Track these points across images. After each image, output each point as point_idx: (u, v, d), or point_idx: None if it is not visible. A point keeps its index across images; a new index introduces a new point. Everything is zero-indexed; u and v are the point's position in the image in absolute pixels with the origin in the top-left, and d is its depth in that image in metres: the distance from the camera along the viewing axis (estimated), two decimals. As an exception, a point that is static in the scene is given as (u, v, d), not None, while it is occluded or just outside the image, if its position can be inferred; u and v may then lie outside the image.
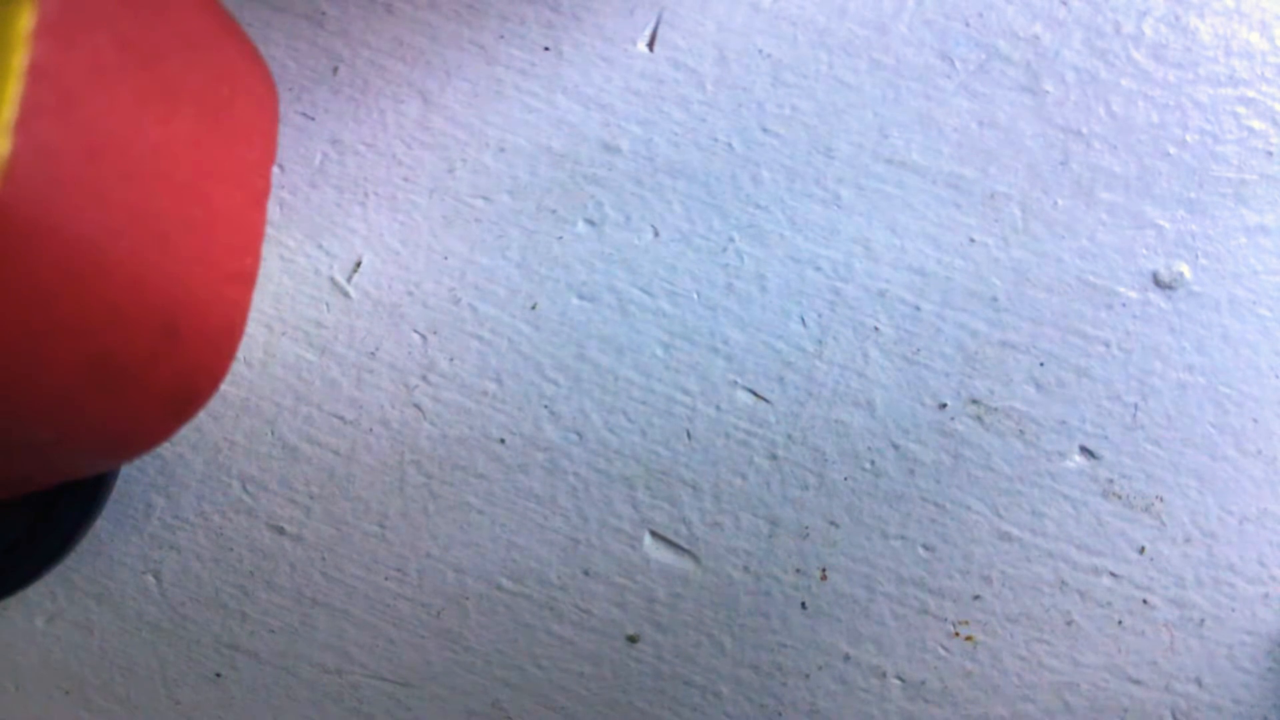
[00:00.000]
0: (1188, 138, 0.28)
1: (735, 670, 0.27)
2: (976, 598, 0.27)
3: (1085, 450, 0.27)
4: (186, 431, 0.27)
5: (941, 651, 0.27)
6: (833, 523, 0.27)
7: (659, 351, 0.28)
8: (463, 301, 0.28)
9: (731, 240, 0.28)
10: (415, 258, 0.28)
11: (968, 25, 0.29)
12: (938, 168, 0.28)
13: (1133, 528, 0.27)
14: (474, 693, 0.27)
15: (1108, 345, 0.27)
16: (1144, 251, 0.28)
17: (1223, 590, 0.27)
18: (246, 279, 0.22)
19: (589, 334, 0.28)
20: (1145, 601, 0.27)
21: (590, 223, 0.28)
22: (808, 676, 0.27)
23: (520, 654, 0.27)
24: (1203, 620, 0.27)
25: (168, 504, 0.27)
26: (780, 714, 0.27)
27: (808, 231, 0.28)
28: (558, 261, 0.28)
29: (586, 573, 0.27)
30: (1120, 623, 0.27)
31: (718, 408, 0.27)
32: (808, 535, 0.27)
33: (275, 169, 0.28)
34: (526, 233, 0.28)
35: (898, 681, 0.27)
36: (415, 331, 0.28)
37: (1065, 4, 0.29)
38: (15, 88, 0.15)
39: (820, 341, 0.28)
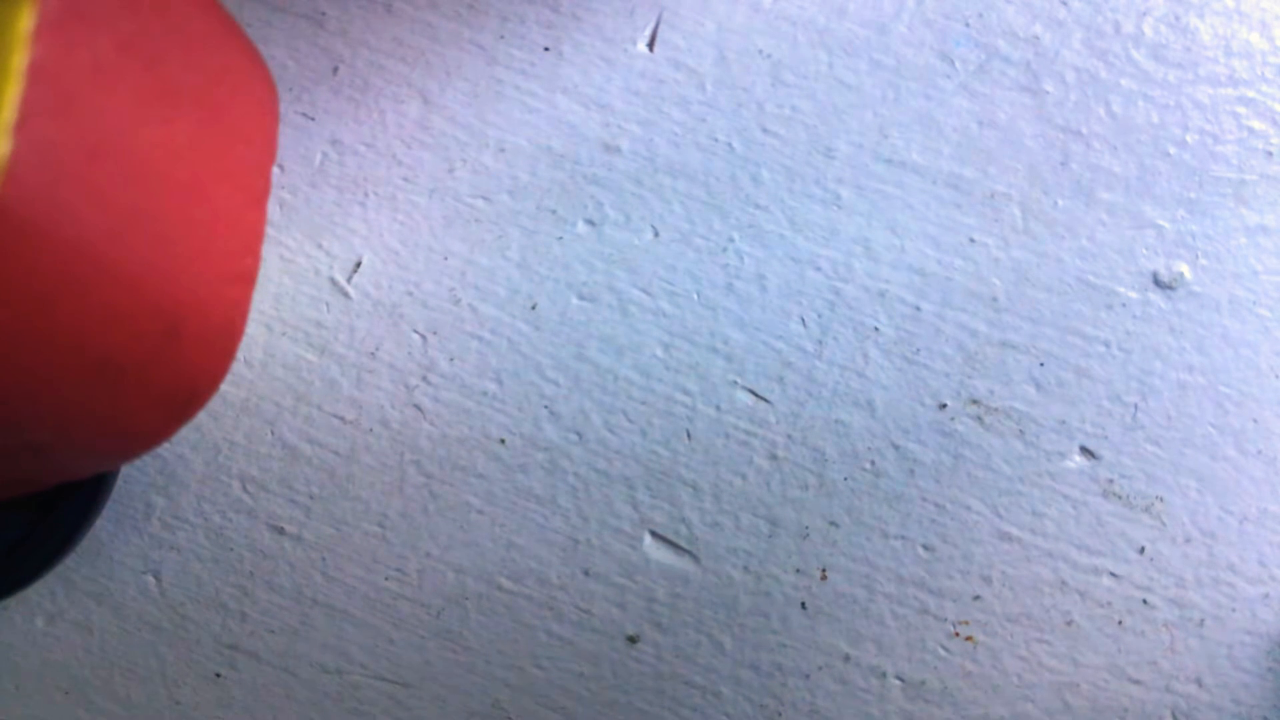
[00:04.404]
0: (1188, 138, 0.28)
1: (735, 670, 0.27)
2: (976, 598, 0.27)
3: (1085, 450, 0.27)
4: (186, 431, 0.27)
5: (941, 651, 0.27)
6: (833, 523, 0.27)
7: (659, 351, 0.28)
8: (463, 301, 0.28)
9: (731, 240, 0.28)
10: (415, 258, 0.28)
11: (968, 25, 0.29)
12: (938, 168, 0.28)
13: (1133, 528, 0.27)
14: (474, 693, 0.27)
15: (1108, 345, 0.27)
16: (1144, 251, 0.28)
17: (1223, 590, 0.27)
18: (246, 279, 0.22)
19: (589, 334, 0.28)
20: (1145, 601, 0.27)
21: (590, 223, 0.28)
22: (808, 676, 0.27)
23: (520, 654, 0.27)
24: (1203, 620, 0.27)
25: (168, 504, 0.27)
26: (780, 714, 0.27)
27: (808, 231, 0.28)
28: (558, 261, 0.28)
29: (586, 573, 0.27)
30: (1120, 623, 0.27)
31: (718, 408, 0.27)
32: (808, 535, 0.27)
33: (275, 169, 0.28)
34: (526, 233, 0.28)
35: (898, 681, 0.27)
36: (415, 331, 0.28)
37: (1065, 4, 0.29)
38: (15, 88, 0.15)
39: (820, 341, 0.28)
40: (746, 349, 0.28)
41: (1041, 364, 0.27)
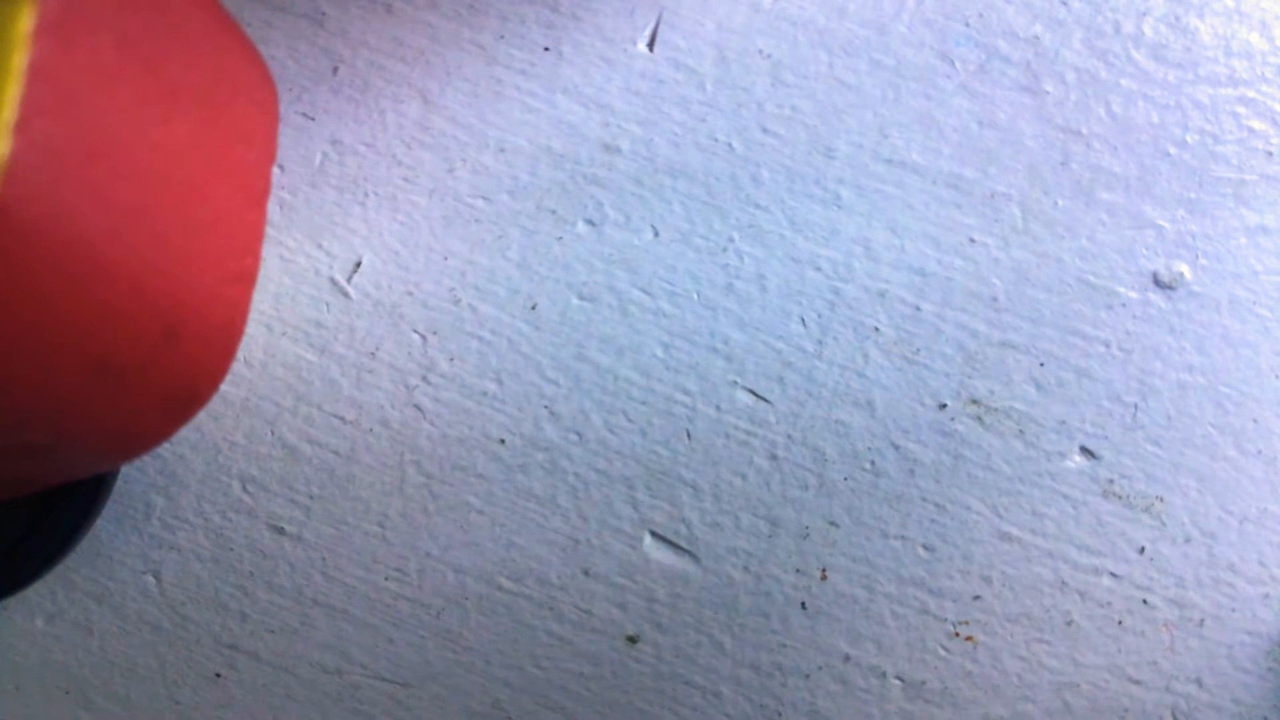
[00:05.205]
0: (1188, 138, 0.28)
1: (735, 670, 0.27)
2: (976, 598, 0.27)
3: (1085, 450, 0.27)
4: (186, 431, 0.27)
5: (941, 651, 0.27)
6: (833, 523, 0.27)
7: (659, 351, 0.28)
8: (463, 301, 0.28)
9: (731, 240, 0.28)
10: (415, 258, 0.28)
11: (968, 25, 0.29)
12: (938, 168, 0.28)
13: (1133, 528, 0.27)
14: (474, 693, 0.27)
15: (1108, 345, 0.27)
16: (1144, 251, 0.28)
17: (1223, 590, 0.27)
18: (246, 279, 0.22)
19: (589, 334, 0.28)
20: (1145, 601, 0.27)
21: (590, 223, 0.28)
22: (808, 676, 0.27)
23: (520, 654, 0.27)
24: (1203, 620, 0.27)
25: (168, 504, 0.27)
26: (780, 714, 0.27)
27: (808, 231, 0.28)
28: (558, 261, 0.28)
29: (586, 573, 0.27)
30: (1120, 623, 0.27)
31: (718, 408, 0.27)
32: (808, 535, 0.27)
33: (275, 169, 0.28)
34: (526, 233, 0.28)
35: (898, 681, 0.27)
36: (415, 331, 0.28)
37: (1065, 4, 0.29)
38: (15, 88, 0.15)
39: (820, 341, 0.28)
40: (746, 349, 0.28)
41: (1041, 364, 0.27)
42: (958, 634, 0.27)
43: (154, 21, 0.19)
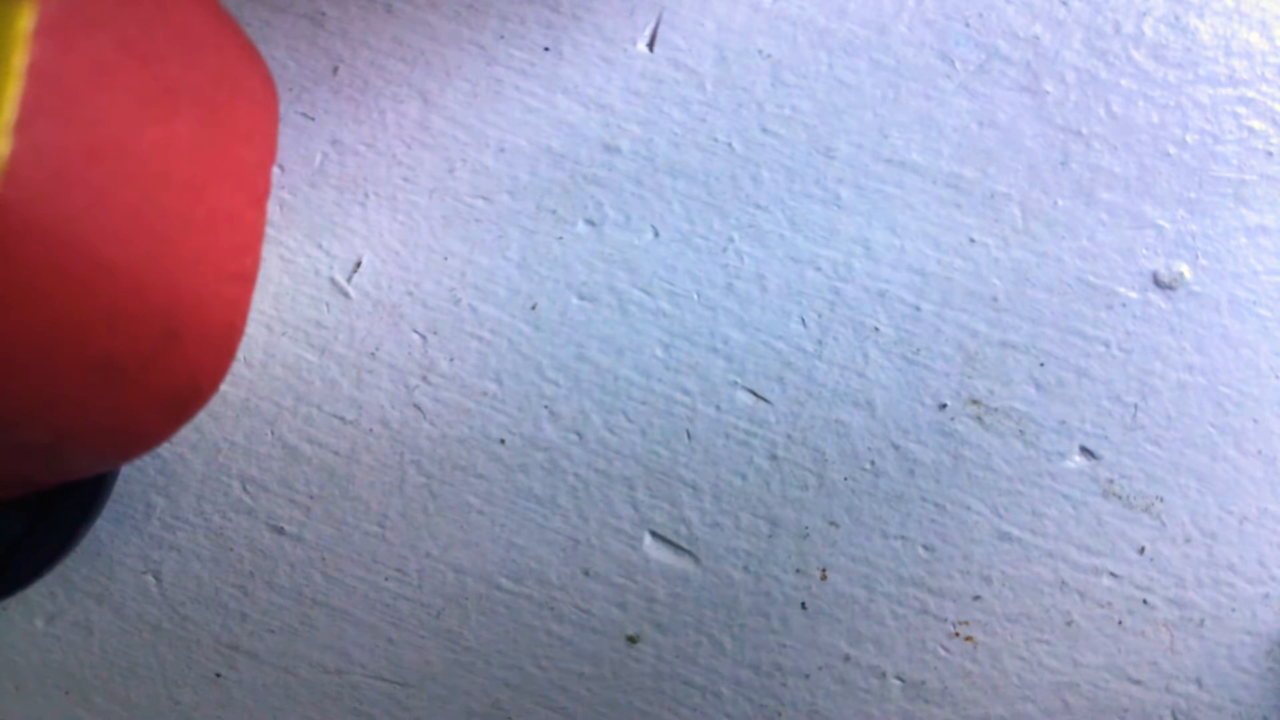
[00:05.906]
0: (1188, 138, 0.28)
1: (735, 670, 0.27)
2: (976, 598, 0.27)
3: (1085, 450, 0.27)
4: (186, 431, 0.27)
5: (941, 651, 0.27)
6: (833, 523, 0.27)
7: (659, 351, 0.28)
8: (463, 301, 0.28)
9: (731, 240, 0.28)
10: (415, 258, 0.28)
11: (968, 25, 0.29)
12: (938, 168, 0.28)
13: (1133, 528, 0.27)
14: (474, 693, 0.27)
15: (1108, 345, 0.27)
16: (1144, 251, 0.28)
17: (1223, 590, 0.27)
18: (246, 279, 0.22)
19: (589, 334, 0.28)
20: (1145, 601, 0.27)
21: (590, 223, 0.28)
22: (808, 676, 0.27)
23: (520, 654, 0.27)
24: (1203, 620, 0.27)
25: (168, 504, 0.27)
26: (780, 714, 0.27)
27: (808, 231, 0.28)
28: (558, 261, 0.28)
29: (586, 573, 0.27)
30: (1120, 623, 0.27)
31: (718, 408, 0.27)
32: (808, 535, 0.27)
33: (275, 169, 0.28)
34: (526, 233, 0.28)
35: (898, 681, 0.27)
36: (415, 331, 0.28)
37: (1065, 4, 0.29)
38: (15, 88, 0.15)
39: (820, 341, 0.28)
40: (746, 349, 0.28)
41: (1041, 364, 0.27)
42: (958, 634, 0.27)
43: (154, 21, 0.19)
